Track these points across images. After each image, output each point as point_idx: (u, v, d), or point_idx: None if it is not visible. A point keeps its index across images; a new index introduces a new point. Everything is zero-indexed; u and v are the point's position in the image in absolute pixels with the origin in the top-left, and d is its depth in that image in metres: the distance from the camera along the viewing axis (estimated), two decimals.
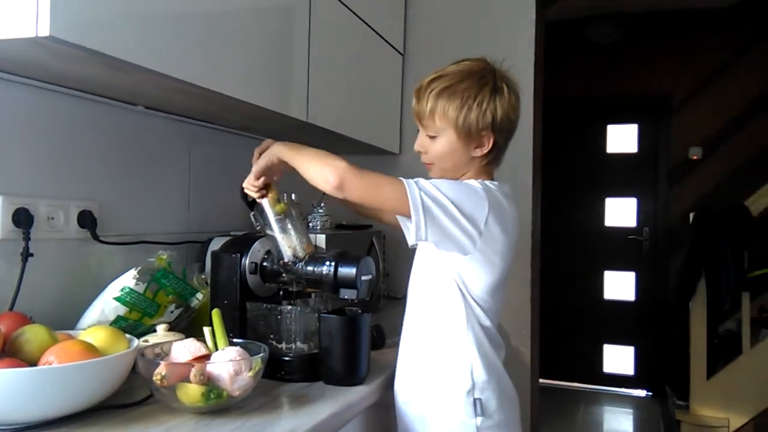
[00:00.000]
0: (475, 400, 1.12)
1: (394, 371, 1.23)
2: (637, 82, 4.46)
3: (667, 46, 4.38)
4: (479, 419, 1.12)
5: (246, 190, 1.20)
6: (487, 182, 1.15)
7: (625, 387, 4.59)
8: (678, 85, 4.36)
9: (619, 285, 4.65)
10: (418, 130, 1.23)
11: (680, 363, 3.65)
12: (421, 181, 1.08)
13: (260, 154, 1.18)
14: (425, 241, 1.09)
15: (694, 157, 4.30)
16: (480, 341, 1.15)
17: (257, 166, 1.16)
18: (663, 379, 4.21)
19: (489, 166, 1.21)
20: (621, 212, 4.64)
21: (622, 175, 4.61)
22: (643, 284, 4.59)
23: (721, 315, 3.49)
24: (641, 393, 4.54)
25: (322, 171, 1.06)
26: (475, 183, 1.13)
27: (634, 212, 4.61)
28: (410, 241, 1.12)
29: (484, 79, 1.16)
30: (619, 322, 4.62)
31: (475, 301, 1.14)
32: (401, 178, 1.07)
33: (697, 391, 3.43)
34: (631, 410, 4.33)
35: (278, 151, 1.14)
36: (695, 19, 4.28)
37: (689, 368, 3.47)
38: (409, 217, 1.05)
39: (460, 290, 1.13)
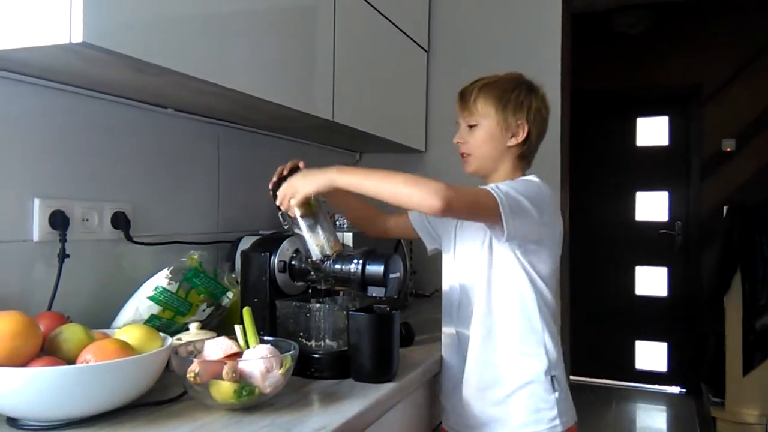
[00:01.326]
0: (552, 377, 1.23)
1: (454, 367, 1.29)
2: (666, 73, 4.37)
3: (696, 36, 4.29)
4: (556, 393, 1.22)
5: (283, 207, 1.18)
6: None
7: (659, 384, 4.51)
8: (708, 75, 4.26)
9: (651, 280, 4.57)
10: (456, 132, 1.33)
11: (715, 359, 3.57)
12: (500, 185, 1.16)
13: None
14: (513, 241, 1.18)
15: (728, 149, 4.21)
16: (548, 321, 1.25)
17: (304, 189, 1.13)
18: (697, 376, 4.13)
19: (520, 161, 1.31)
20: (652, 206, 4.56)
21: (653, 169, 4.53)
22: (675, 279, 4.51)
23: (758, 310, 3.40)
24: (675, 390, 4.46)
25: (421, 194, 1.08)
26: (532, 177, 1.26)
27: (665, 206, 4.53)
28: (500, 241, 1.19)
29: (519, 80, 1.32)
30: (651, 318, 4.55)
31: (544, 282, 1.24)
32: (483, 187, 1.16)
33: (733, 388, 3.36)
34: (664, 407, 4.26)
35: (334, 180, 1.13)
36: (723, 7, 4.17)
37: (724, 365, 3.40)
38: (496, 223, 1.14)
39: (529, 276, 1.22)
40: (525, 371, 1.22)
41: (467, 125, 1.30)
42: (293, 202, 1.14)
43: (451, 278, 1.34)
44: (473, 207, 1.14)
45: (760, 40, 4.14)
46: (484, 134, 1.28)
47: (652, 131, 4.57)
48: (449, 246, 1.35)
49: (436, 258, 1.40)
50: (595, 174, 4.58)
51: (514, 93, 1.27)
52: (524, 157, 1.31)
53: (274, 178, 1.23)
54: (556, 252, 1.27)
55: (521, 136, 1.27)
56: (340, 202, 1.43)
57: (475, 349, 1.25)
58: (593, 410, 4.01)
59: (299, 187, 1.14)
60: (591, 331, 4.47)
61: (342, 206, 1.46)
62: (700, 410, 3.89)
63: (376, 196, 1.13)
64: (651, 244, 4.54)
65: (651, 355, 4.57)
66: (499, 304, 1.24)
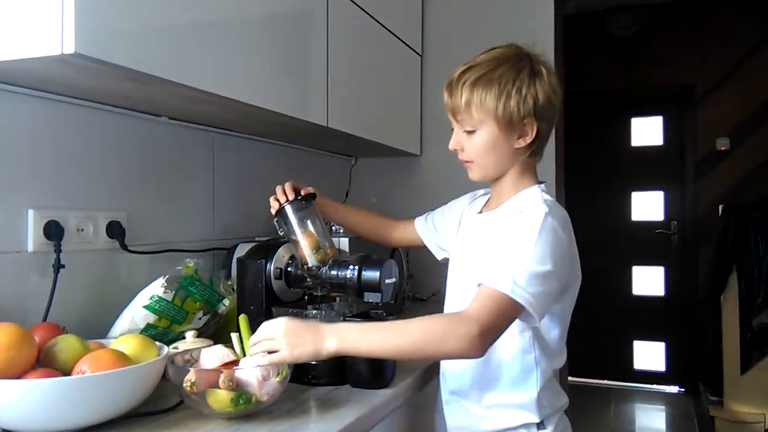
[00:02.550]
0: (538, 424, 1.11)
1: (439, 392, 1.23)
2: (660, 73, 4.39)
3: (689, 36, 4.31)
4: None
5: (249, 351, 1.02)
6: (548, 200, 1.09)
7: (657, 383, 4.52)
8: (702, 75, 4.28)
9: (648, 280, 4.58)
10: (452, 129, 1.14)
11: (713, 358, 3.58)
12: (516, 274, 0.96)
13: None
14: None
15: (722, 148, 4.22)
16: (547, 377, 1.11)
17: (287, 355, 0.93)
18: (696, 375, 4.13)
19: (532, 158, 1.14)
20: (648, 206, 4.57)
21: (648, 169, 4.55)
22: (672, 279, 4.52)
23: (754, 309, 3.41)
24: (673, 389, 4.46)
25: (452, 347, 0.94)
26: (546, 220, 1.02)
27: (661, 206, 4.54)
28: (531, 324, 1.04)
29: (520, 63, 1.07)
30: (649, 318, 4.55)
31: (555, 323, 1.11)
32: (499, 289, 0.95)
33: (731, 387, 3.37)
34: (663, 407, 4.26)
35: (335, 347, 0.94)
36: (715, 7, 4.19)
37: (722, 363, 3.41)
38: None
39: (538, 328, 1.08)
40: (514, 421, 1.11)
41: (463, 130, 1.10)
42: (266, 357, 0.93)
43: (454, 283, 1.23)
44: (507, 326, 0.98)
45: (752, 39, 4.15)
46: (485, 141, 1.08)
47: (647, 131, 4.59)
48: (455, 254, 1.26)
49: (433, 262, 1.39)
50: (590, 175, 4.58)
51: (515, 85, 1.04)
52: (535, 153, 1.13)
53: (280, 201, 1.22)
54: (577, 286, 1.14)
55: (530, 136, 1.08)
56: (343, 221, 1.43)
57: (467, 400, 1.15)
58: (592, 411, 4.01)
59: (283, 352, 0.92)
60: (589, 331, 4.46)
61: (345, 224, 1.45)
62: (699, 409, 3.90)
63: (394, 358, 1.01)
64: (647, 243, 4.55)
65: (649, 354, 4.57)
66: (499, 349, 1.08)
